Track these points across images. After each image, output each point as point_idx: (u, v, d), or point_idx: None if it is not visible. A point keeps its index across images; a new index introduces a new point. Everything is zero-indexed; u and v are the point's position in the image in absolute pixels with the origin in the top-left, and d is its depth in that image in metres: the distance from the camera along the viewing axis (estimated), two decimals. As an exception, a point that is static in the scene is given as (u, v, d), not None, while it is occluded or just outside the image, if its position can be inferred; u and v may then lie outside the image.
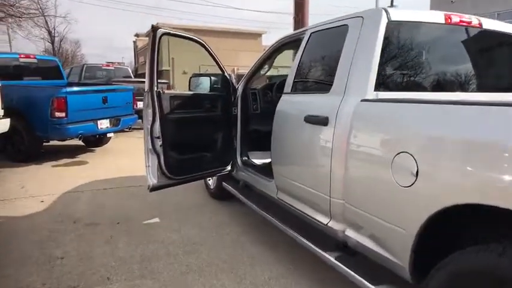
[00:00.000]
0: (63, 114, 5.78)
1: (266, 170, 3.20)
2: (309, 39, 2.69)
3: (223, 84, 3.56)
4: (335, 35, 2.40)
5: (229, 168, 3.66)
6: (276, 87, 3.68)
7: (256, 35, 32.16)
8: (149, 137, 2.99)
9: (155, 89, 2.95)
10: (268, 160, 3.17)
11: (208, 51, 3.34)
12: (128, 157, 6.59)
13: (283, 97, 2.82)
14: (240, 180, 3.74)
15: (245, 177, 3.61)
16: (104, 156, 6.87)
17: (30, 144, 6.06)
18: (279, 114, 2.81)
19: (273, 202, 3.04)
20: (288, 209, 2.77)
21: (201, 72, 3.92)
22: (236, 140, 3.67)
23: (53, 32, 26.82)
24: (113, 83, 8.89)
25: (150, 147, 2.99)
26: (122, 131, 7.96)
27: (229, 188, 3.77)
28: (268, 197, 3.13)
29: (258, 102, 3.76)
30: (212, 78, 3.64)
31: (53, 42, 26.75)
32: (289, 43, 3.17)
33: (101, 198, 4.38)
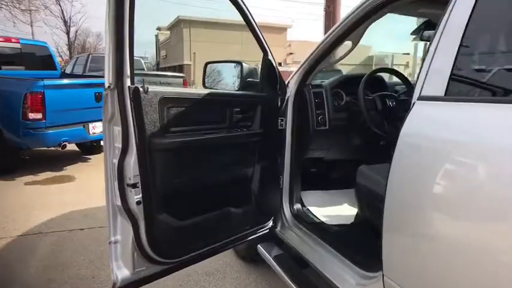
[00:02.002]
0: (40, 116, 4.31)
1: (348, 241, 1.61)
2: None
3: (265, 77, 1.95)
4: None
5: (269, 225, 2.07)
6: (365, 82, 2.03)
7: (281, 29, 30.45)
8: (116, 183, 1.44)
9: (127, 82, 1.39)
10: (346, 213, 1.57)
11: (240, 10, 1.75)
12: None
13: (426, 107, 1.18)
14: (286, 244, 2.14)
15: (297, 244, 2.01)
16: (98, 169, 5.37)
17: (-2, 155, 4.63)
18: (416, 146, 1.18)
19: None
20: None
21: (225, 59, 2.22)
22: (283, 176, 2.07)
23: (68, 21, 25.89)
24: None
25: (118, 203, 1.44)
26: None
27: (268, 257, 2.15)
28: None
29: (325, 110, 2.11)
30: (245, 66, 2.03)
31: (68, 33, 25.80)
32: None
33: (68, 248, 2.85)
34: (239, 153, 1.85)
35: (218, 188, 1.79)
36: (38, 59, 6.12)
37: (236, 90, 2.04)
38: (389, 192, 1.22)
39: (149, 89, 1.45)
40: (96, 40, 38.56)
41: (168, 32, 31.31)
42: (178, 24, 26.26)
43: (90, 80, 5.15)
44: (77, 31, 28.57)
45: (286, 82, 2.13)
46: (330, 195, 2.45)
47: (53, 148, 5.56)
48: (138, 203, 1.45)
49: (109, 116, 1.45)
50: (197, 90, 1.68)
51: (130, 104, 1.41)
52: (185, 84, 8.21)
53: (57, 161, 5.69)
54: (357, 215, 1.99)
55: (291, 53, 27.86)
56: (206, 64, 2.09)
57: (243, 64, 2.01)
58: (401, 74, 2.07)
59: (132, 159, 1.43)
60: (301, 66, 2.05)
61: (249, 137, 1.84)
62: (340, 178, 2.54)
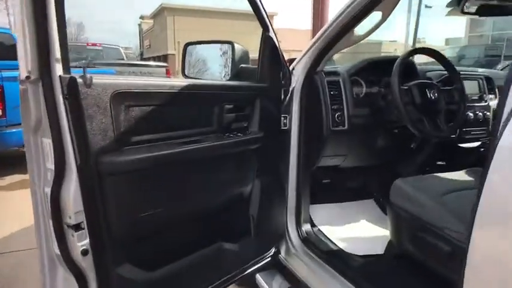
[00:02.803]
0: (-1, 113, 3.75)
1: (379, 280, 1.19)
2: None
3: (264, 62, 1.45)
4: None
5: (272, 253, 1.60)
6: (400, 67, 1.53)
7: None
8: (49, 223, 0.94)
9: (57, 70, 0.87)
10: (369, 235, 1.41)
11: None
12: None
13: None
14: (293, 274, 1.67)
15: (306, 276, 1.57)
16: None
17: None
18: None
19: None
20: None
21: (210, 40, 1.70)
22: (287, 190, 1.60)
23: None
24: (96, 66, 6.80)
25: (57, 251, 0.94)
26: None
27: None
28: None
29: (343, 104, 1.62)
30: (237, 47, 1.53)
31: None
32: None
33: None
34: (232, 167, 1.36)
35: (204, 218, 1.30)
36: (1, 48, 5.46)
37: (227, 81, 1.54)
38: (481, 227, 0.75)
39: (95, 80, 0.94)
40: (77, 30, 37.29)
41: (152, 21, 30.33)
42: (161, 13, 25.34)
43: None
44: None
45: (291, 67, 1.64)
46: (346, 210, 1.99)
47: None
48: (84, 252, 0.96)
49: (33, 124, 0.94)
50: (173, 80, 1.18)
51: (65, 104, 0.90)
52: (168, 74, 7.61)
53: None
54: (389, 243, 1.54)
55: (279, 41, 27.21)
56: (186, 46, 1.58)
57: (235, 45, 1.51)
58: (443, 56, 1.60)
59: (71, 188, 0.94)
60: (310, 48, 1.56)
61: (245, 144, 1.35)
62: (357, 187, 2.08)
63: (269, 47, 1.42)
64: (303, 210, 1.70)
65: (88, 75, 0.94)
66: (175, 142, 1.14)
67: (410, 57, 1.68)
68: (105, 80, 0.97)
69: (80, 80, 0.92)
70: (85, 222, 0.97)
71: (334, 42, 1.50)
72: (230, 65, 1.52)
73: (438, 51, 1.58)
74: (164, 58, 23.90)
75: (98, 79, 0.95)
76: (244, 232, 1.43)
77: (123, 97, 1.00)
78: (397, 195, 1.39)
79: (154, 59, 26.30)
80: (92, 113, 0.94)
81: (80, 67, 0.95)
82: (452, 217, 1.20)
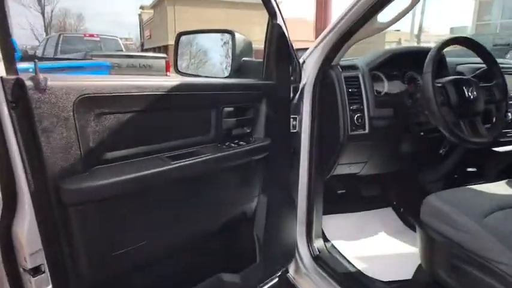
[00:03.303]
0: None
1: None
2: None
3: (271, 54, 1.21)
4: None
5: (278, 274, 1.40)
6: (434, 60, 1.21)
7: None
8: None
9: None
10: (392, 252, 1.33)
11: None
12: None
13: None
14: None
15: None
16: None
17: None
18: None
19: None
20: None
21: (207, 29, 1.47)
22: (297, 200, 1.39)
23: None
24: (93, 58, 6.56)
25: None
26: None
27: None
28: None
29: (364, 104, 1.37)
30: (238, 37, 1.29)
31: (43, 13, 24.12)
32: None
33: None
34: (234, 182, 1.13)
35: (199, 246, 1.08)
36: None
37: (226, 77, 1.31)
38: None
39: (51, 83, 0.72)
40: (77, 22, 36.90)
41: (152, 11, 29.89)
42: (161, 2, 24.90)
43: (51, 64, 4.34)
44: (52, 11, 26.88)
45: (301, 60, 1.41)
46: (361, 221, 1.77)
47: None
48: None
49: None
50: (159, 79, 0.94)
51: (11, 114, 0.68)
52: (168, 66, 7.35)
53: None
54: (419, 268, 1.32)
55: None
56: (178, 36, 1.34)
57: (236, 34, 1.27)
58: (482, 46, 1.35)
59: (25, 222, 0.72)
60: (323, 38, 1.32)
61: (249, 155, 1.12)
62: (374, 195, 1.86)
63: (277, 37, 1.19)
64: (314, 223, 1.48)
65: (41, 76, 0.71)
66: (163, 157, 0.91)
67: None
68: (67, 81, 0.74)
69: (29, 83, 0.69)
70: (45, 264, 0.75)
71: (354, 31, 1.27)
72: (230, 58, 1.29)
73: (475, 41, 1.34)
74: (164, 49, 23.51)
75: (56, 81, 0.73)
76: (248, 257, 1.21)
77: (92, 103, 0.78)
78: (430, 214, 1.17)
79: (154, 49, 25.92)
80: (49, 125, 0.71)
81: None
82: (501, 245, 0.97)
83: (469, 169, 1.66)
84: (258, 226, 1.23)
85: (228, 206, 1.13)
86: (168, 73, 7.30)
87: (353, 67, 1.40)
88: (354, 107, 1.35)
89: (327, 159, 1.42)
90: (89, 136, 0.78)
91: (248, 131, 1.19)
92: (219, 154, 1.00)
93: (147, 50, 27.78)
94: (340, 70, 1.37)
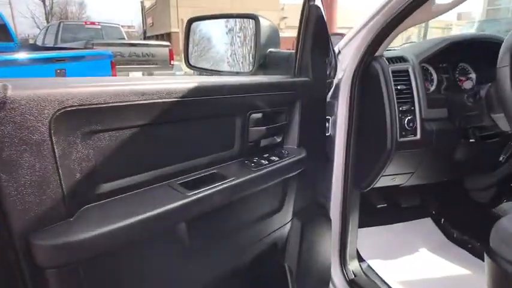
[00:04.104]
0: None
1: None
2: None
3: (306, 45, 0.97)
4: None
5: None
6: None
7: (275, -8, 28.07)
8: None
9: None
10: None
11: None
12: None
13: None
14: None
15: None
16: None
17: None
18: None
19: None
20: None
21: (223, 13, 1.23)
22: (332, 214, 1.17)
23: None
24: (94, 47, 6.30)
25: None
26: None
27: None
28: None
29: (415, 105, 1.13)
30: (263, 22, 1.05)
31: (44, 1, 23.60)
32: None
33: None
34: (263, 209, 0.91)
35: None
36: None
37: (250, 74, 1.07)
38: None
39: (14, 92, 0.48)
40: (79, 9, 36.45)
41: (154, -2, 29.37)
42: (164, -11, 24.43)
43: (49, 54, 4.08)
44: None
45: (337, 51, 1.17)
46: (399, 235, 1.55)
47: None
48: None
49: None
50: (165, 80, 0.70)
51: None
52: (171, 55, 7.08)
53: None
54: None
55: (284, 17, 26.09)
56: (189, 23, 1.10)
57: (260, 19, 1.03)
58: None
59: None
60: (365, 24, 1.08)
61: (283, 173, 0.89)
62: (412, 206, 1.63)
63: (314, 21, 0.95)
64: (349, 244, 1.27)
65: (4, 84, 0.48)
66: (175, 184, 0.69)
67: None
68: (39, 89, 0.51)
69: None
70: None
71: (407, 14, 1.02)
72: (254, 49, 1.05)
73: None
74: (167, 36, 23.08)
75: (21, 89, 0.49)
76: None
77: (77, 118, 0.54)
78: (503, 242, 0.94)
79: (157, 37, 25.47)
80: (12, 155, 0.49)
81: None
82: None
83: (530, 177, 1.43)
84: (290, 256, 1.01)
85: (256, 239, 0.91)
86: (172, 62, 7.04)
87: (402, 59, 1.15)
88: (404, 107, 1.11)
89: (368, 169, 1.19)
90: (74, 165, 0.55)
91: (279, 140, 0.96)
92: (248, 177, 0.77)
93: (149, 38, 27.30)
94: (387, 63, 1.13)
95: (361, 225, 1.42)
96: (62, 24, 8.12)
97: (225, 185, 0.72)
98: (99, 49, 5.56)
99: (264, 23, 1.06)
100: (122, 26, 10.58)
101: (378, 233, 1.55)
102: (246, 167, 0.80)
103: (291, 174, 0.92)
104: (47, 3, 24.11)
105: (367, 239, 1.48)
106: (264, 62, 1.07)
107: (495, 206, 1.54)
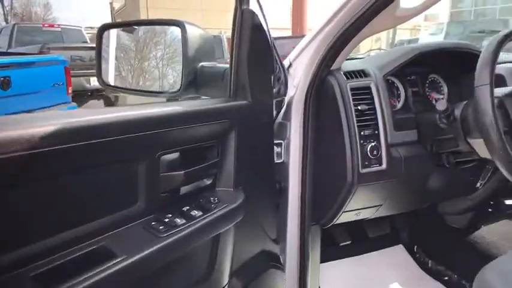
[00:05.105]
0: None
1: None
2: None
3: (243, 57, 0.76)
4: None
5: None
6: (493, 63, 0.78)
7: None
8: None
9: None
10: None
11: None
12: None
13: None
14: None
15: None
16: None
17: None
18: None
19: None
20: None
21: (143, 20, 0.98)
22: (284, 258, 0.96)
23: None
24: (50, 51, 5.90)
25: None
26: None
27: None
28: None
29: (379, 128, 0.93)
30: (191, 30, 0.83)
31: (1, 1, 22.27)
32: None
33: None
34: (179, 281, 0.69)
35: None
36: None
37: (176, 94, 0.85)
38: None
39: None
40: (43, 10, 35.06)
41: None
42: (132, -10, 23.80)
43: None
44: (12, -2, 24.96)
45: (287, 64, 0.98)
46: (368, 266, 1.36)
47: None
48: None
49: None
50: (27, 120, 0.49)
51: None
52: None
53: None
54: None
55: None
56: (101, 31, 0.86)
57: (188, 27, 0.82)
58: None
59: None
60: (320, 30, 0.89)
61: (210, 230, 0.68)
62: (383, 235, 1.45)
63: (250, 30, 0.74)
64: (309, 282, 1.07)
65: None
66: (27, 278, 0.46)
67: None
68: None
69: None
70: None
71: (366, 21, 0.84)
72: (182, 65, 0.83)
73: None
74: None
75: None
76: None
77: None
78: None
79: (126, 40, 24.71)
80: None
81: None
82: None
83: (508, 202, 1.28)
84: None
85: None
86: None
87: (363, 73, 0.97)
88: (366, 132, 0.92)
89: (328, 204, 1.00)
90: None
91: (209, 182, 0.75)
92: (151, 249, 0.55)
93: (118, 40, 26.45)
94: (345, 78, 0.94)
95: (325, 258, 1.24)
96: (16, 27, 7.61)
97: (109, 271, 0.50)
98: (55, 53, 5.18)
99: (193, 31, 0.84)
100: (91, 28, 10.09)
101: (344, 266, 1.36)
102: (151, 231, 0.59)
103: (223, 230, 0.71)
104: (6, 3, 22.78)
105: (331, 274, 1.30)
106: (194, 81, 0.86)
107: (472, 232, 1.39)
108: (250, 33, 0.75)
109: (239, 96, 0.79)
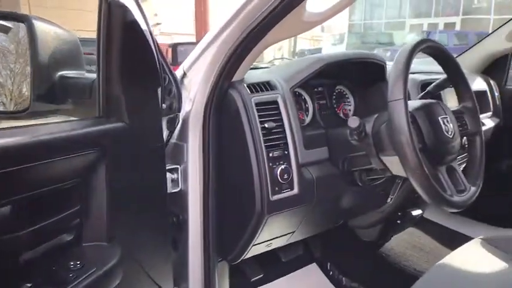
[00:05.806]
0: None
1: None
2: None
3: (115, 67, 0.57)
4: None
5: None
6: (405, 73, 0.71)
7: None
8: None
9: None
10: None
11: None
12: None
13: None
14: None
15: None
16: None
17: None
18: None
19: None
20: None
21: None
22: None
23: None
24: None
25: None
26: None
27: None
28: None
29: (289, 146, 0.80)
30: (43, 29, 0.62)
31: None
32: None
33: None
34: None
35: None
36: None
37: (23, 113, 0.63)
38: None
39: None
40: None
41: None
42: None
43: None
44: None
45: (178, 76, 0.81)
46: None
47: None
48: None
49: None
50: None
51: None
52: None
53: None
54: None
55: (158, 24, 24.55)
56: None
57: (37, 24, 0.60)
58: (451, 58, 0.91)
59: None
60: (217, 36, 0.75)
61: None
62: (295, 256, 1.36)
63: (121, 29, 0.56)
64: None
65: None
66: None
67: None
68: None
69: None
70: None
71: (269, 27, 0.71)
72: (30, 73, 0.61)
73: (445, 50, 0.91)
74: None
75: None
76: None
77: None
78: None
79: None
80: None
81: None
82: None
83: (414, 213, 1.29)
84: None
85: None
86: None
87: (268, 85, 0.84)
88: (275, 153, 0.79)
89: (235, 238, 0.86)
90: None
91: (70, 238, 0.54)
92: None
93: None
94: (248, 91, 0.80)
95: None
96: None
97: None
98: None
99: (47, 30, 0.63)
100: None
101: None
102: None
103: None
104: None
105: None
106: (51, 93, 0.64)
107: (382, 244, 1.38)
108: (122, 34, 0.56)
109: (112, 116, 0.59)
